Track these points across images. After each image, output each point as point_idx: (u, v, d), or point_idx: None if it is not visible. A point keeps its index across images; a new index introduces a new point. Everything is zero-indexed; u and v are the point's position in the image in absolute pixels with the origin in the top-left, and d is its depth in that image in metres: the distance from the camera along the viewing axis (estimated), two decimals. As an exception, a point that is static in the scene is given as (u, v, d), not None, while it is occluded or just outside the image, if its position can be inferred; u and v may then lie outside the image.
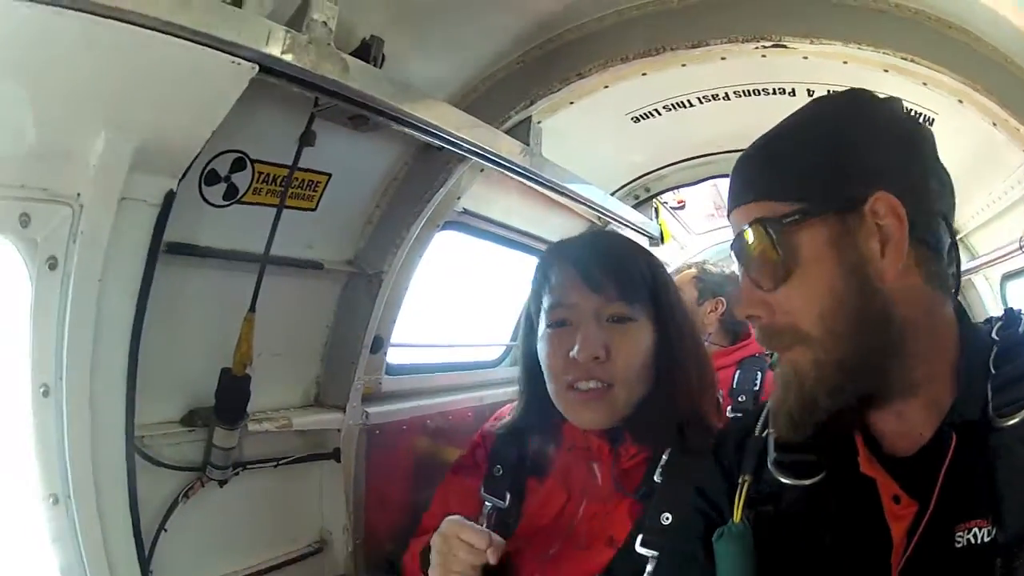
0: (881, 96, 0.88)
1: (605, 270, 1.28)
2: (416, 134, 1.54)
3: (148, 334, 1.32)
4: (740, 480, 0.94)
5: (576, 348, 1.24)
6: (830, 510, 0.85)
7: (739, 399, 2.56)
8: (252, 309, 1.51)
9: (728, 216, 0.91)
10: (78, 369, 1.19)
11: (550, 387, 1.33)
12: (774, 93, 2.23)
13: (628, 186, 2.84)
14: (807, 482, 0.88)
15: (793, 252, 0.80)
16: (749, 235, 0.83)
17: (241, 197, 1.54)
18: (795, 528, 0.88)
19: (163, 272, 1.34)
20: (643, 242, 2.80)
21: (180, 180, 1.26)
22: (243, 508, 1.70)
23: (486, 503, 1.40)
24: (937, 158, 0.87)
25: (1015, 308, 0.89)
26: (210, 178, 1.47)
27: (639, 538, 1.17)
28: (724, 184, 3.37)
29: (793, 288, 0.81)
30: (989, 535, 0.73)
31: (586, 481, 1.33)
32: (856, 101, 0.88)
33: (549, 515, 1.35)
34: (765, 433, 0.95)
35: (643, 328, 1.29)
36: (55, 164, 1.10)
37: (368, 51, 1.42)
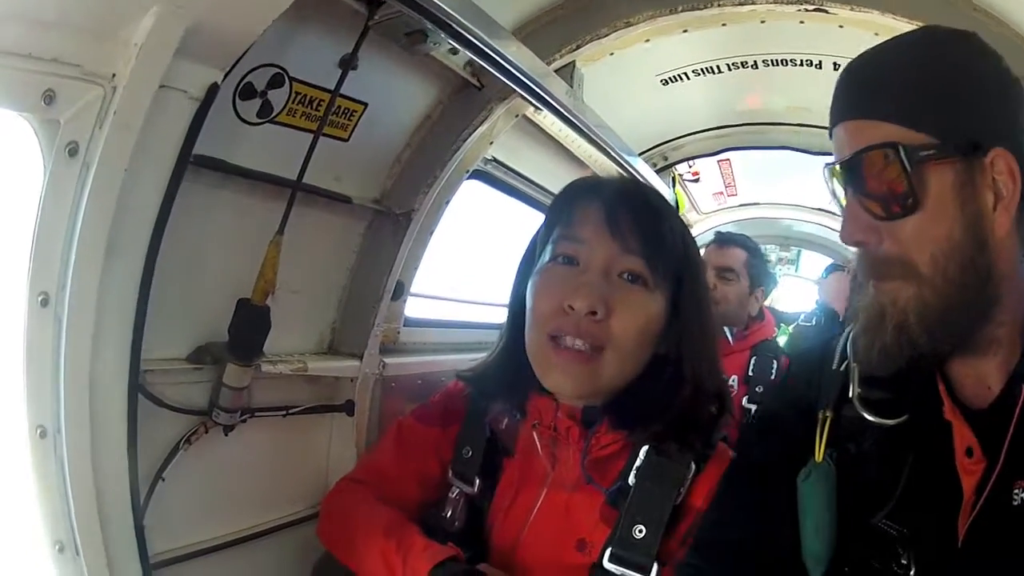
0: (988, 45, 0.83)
1: (634, 219, 1.09)
2: (472, 56, 1.44)
3: (162, 255, 1.17)
4: (821, 415, 0.90)
5: (573, 296, 1.05)
6: (906, 457, 0.84)
7: (756, 388, 2.51)
8: (281, 232, 1.36)
9: (834, 128, 0.84)
10: (85, 277, 1.02)
11: (529, 336, 1.12)
12: (802, 64, 2.23)
13: (647, 152, 2.79)
14: (891, 422, 0.85)
15: (922, 188, 0.76)
16: (878, 158, 0.77)
17: (275, 116, 1.40)
18: (870, 471, 0.87)
19: (186, 188, 1.20)
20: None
21: (226, 75, 1.11)
22: (247, 461, 1.55)
23: (453, 487, 1.24)
24: None
25: None
26: (246, 91, 1.32)
27: (607, 552, 1.06)
28: (738, 159, 3.44)
29: (911, 224, 0.77)
30: None
31: (549, 466, 1.17)
32: (972, 43, 0.82)
33: (507, 502, 1.20)
34: (843, 367, 0.92)
35: (655, 298, 1.10)
36: (93, 39, 0.93)
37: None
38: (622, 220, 1.08)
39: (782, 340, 3.50)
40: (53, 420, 1.04)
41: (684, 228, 1.19)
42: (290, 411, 1.60)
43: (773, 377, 2.52)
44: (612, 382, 1.09)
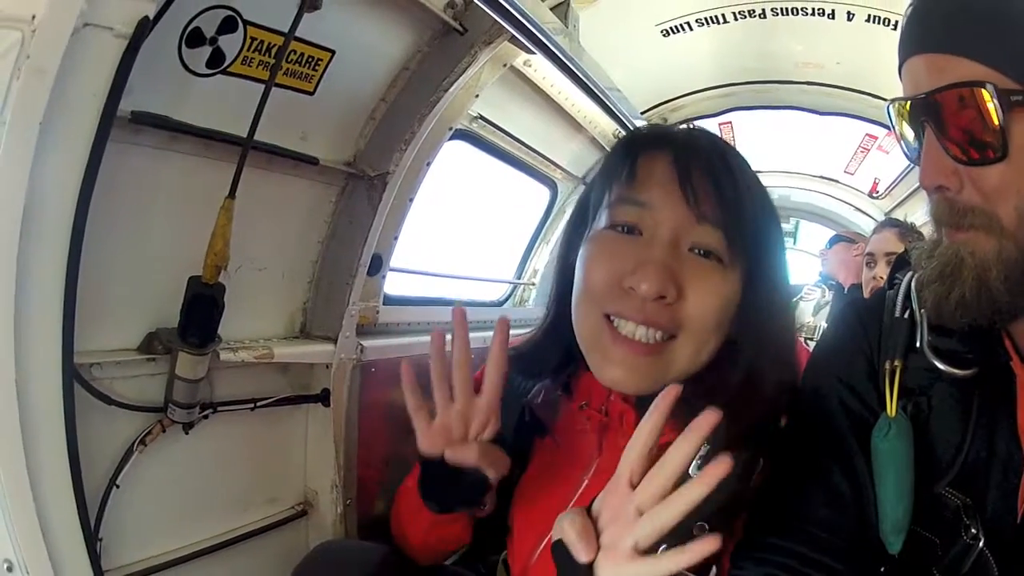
0: None
1: (712, 180, 0.88)
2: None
3: (101, 229, 1.03)
4: (889, 366, 0.85)
5: (636, 275, 0.86)
6: (969, 419, 0.81)
7: None
8: (232, 195, 1.18)
9: (907, 60, 0.76)
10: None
11: (579, 313, 0.94)
12: (813, 14, 2.07)
13: (645, 114, 2.60)
14: (961, 373, 0.81)
15: (1011, 135, 0.70)
16: (968, 96, 0.70)
17: (227, 66, 1.23)
18: (934, 432, 0.83)
19: (125, 150, 1.08)
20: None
21: (162, 11, 0.96)
22: (213, 461, 1.40)
23: None
24: None
25: None
26: (193, 38, 1.15)
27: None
28: (739, 123, 3.28)
29: (995, 172, 0.72)
30: None
31: (596, 454, 1.00)
32: None
33: (539, 488, 1.05)
34: (907, 313, 0.87)
35: (730, 277, 0.91)
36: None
37: None
38: (697, 181, 0.87)
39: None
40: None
41: (763, 190, 0.97)
42: (258, 404, 1.44)
43: None
44: (684, 373, 0.90)
